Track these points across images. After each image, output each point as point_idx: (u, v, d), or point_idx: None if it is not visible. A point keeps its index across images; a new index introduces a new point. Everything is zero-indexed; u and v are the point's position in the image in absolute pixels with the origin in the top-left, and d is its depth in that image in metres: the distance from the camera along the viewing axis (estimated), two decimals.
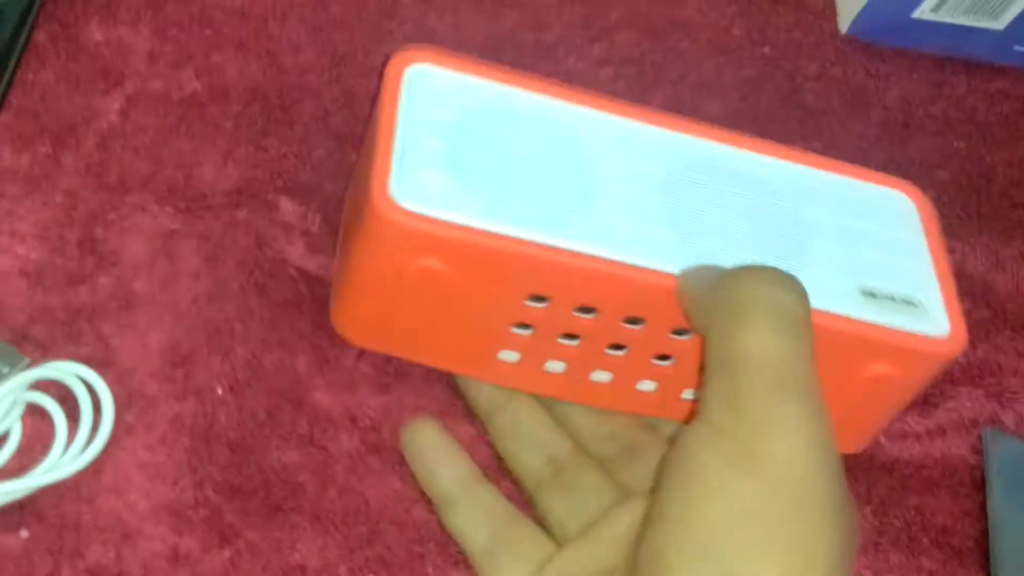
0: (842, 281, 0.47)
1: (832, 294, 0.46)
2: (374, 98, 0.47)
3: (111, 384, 0.46)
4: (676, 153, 0.49)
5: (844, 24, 0.67)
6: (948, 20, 0.65)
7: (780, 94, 0.63)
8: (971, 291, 0.58)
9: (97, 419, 0.45)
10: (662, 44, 0.64)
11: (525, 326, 0.46)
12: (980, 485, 0.53)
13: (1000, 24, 0.65)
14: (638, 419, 0.49)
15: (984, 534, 0.52)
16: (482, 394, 0.49)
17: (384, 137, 0.44)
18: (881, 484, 0.52)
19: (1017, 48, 0.68)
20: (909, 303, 0.47)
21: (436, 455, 0.48)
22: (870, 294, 0.47)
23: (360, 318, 0.48)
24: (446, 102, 0.46)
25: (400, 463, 0.48)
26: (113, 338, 0.48)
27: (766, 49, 0.65)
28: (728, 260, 0.45)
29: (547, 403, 0.50)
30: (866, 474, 0.52)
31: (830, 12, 0.67)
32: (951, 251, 0.57)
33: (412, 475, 0.48)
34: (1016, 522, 0.51)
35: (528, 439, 0.48)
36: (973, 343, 0.57)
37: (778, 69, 0.64)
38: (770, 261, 0.45)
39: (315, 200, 0.53)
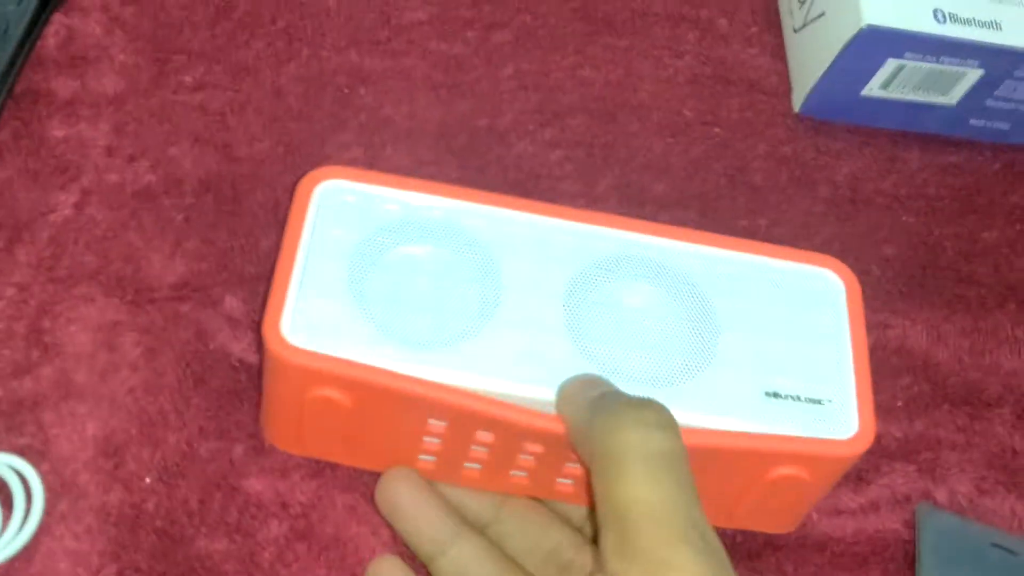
0: (746, 385, 0.48)
1: (734, 401, 0.47)
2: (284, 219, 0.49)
3: (46, 473, 0.48)
4: (586, 250, 0.50)
5: (797, 103, 0.68)
6: (898, 97, 0.67)
7: (728, 173, 0.64)
8: (911, 366, 0.59)
9: (28, 508, 0.47)
10: (613, 127, 0.65)
11: (435, 436, 0.48)
12: (912, 561, 0.54)
13: (951, 100, 0.67)
14: (572, 537, 0.50)
15: None
16: (425, 538, 0.49)
17: (283, 266, 0.47)
18: (809, 563, 0.53)
19: (972, 122, 0.68)
20: (815, 402, 0.48)
21: (418, 507, 0.50)
22: (774, 395, 0.48)
23: (281, 431, 0.50)
24: (354, 220, 0.48)
25: (327, 549, 0.49)
26: (52, 428, 0.50)
27: (717, 129, 0.66)
28: (628, 372, 0.47)
29: (483, 523, 0.51)
30: (796, 553, 0.53)
31: (784, 91, 0.68)
32: (892, 327, 0.58)
33: (393, 534, 0.51)
34: None
35: None
36: (911, 418, 0.58)
37: (727, 149, 0.66)
38: (672, 368, 0.47)
39: (260, 292, 0.55)
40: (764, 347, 0.49)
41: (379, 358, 0.45)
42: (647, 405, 0.42)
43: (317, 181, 0.49)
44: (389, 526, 0.50)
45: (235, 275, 0.55)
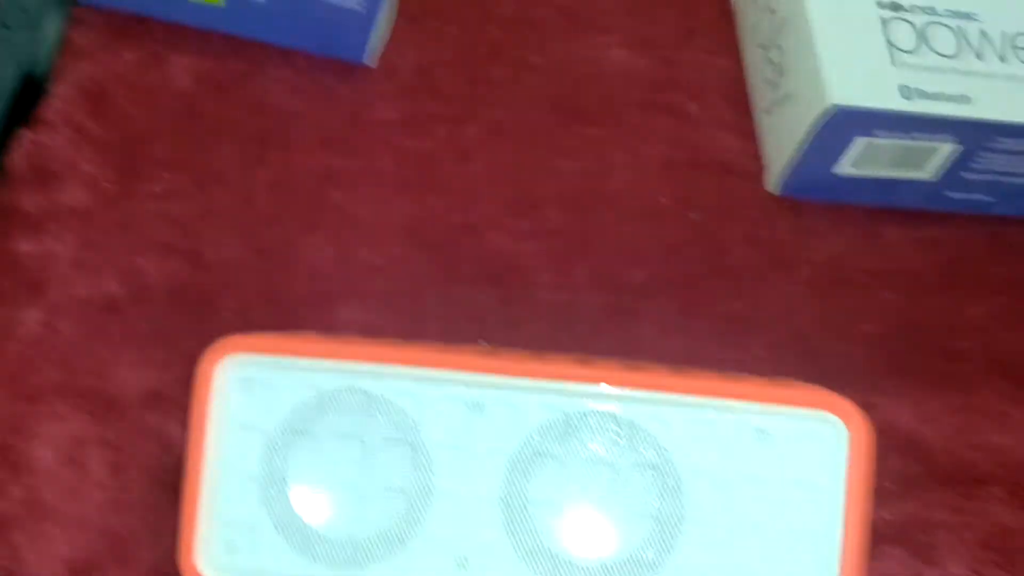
0: None
1: None
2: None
3: None
4: (532, 415, 0.44)
5: (772, 184, 0.68)
6: (872, 174, 0.66)
7: (705, 258, 0.64)
8: (899, 446, 0.58)
9: None
10: (588, 216, 0.65)
11: None
12: None
13: (927, 174, 0.66)
14: None
15: None
16: None
17: (191, 484, 0.43)
18: None
19: (950, 194, 0.68)
20: None
21: None
22: None
23: None
24: (262, 407, 0.44)
25: None
26: (23, 548, 0.49)
27: (692, 215, 0.66)
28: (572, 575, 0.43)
29: None
30: None
31: (758, 173, 0.68)
32: (877, 406, 0.57)
33: None
34: None
35: None
36: (901, 499, 0.57)
37: (704, 234, 0.65)
38: (624, 567, 0.43)
39: None
40: (734, 535, 0.43)
41: None
42: None
43: (218, 357, 0.44)
44: None
45: None
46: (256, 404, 0.44)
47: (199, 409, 0.44)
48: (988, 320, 0.64)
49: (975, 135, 0.63)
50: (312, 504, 0.43)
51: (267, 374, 0.44)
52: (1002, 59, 0.64)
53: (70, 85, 0.64)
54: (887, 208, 0.68)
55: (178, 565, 0.43)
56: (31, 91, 0.62)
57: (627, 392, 0.43)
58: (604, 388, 0.44)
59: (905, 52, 0.63)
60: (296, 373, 0.44)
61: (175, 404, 0.53)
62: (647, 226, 0.65)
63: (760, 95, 0.70)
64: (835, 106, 0.61)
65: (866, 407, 0.55)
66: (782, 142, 0.66)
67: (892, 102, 0.61)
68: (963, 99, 0.62)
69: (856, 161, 0.65)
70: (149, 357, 0.55)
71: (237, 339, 0.44)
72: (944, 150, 0.64)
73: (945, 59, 0.64)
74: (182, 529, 0.43)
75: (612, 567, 0.43)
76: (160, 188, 0.61)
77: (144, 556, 0.49)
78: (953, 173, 0.66)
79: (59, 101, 0.63)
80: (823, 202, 0.68)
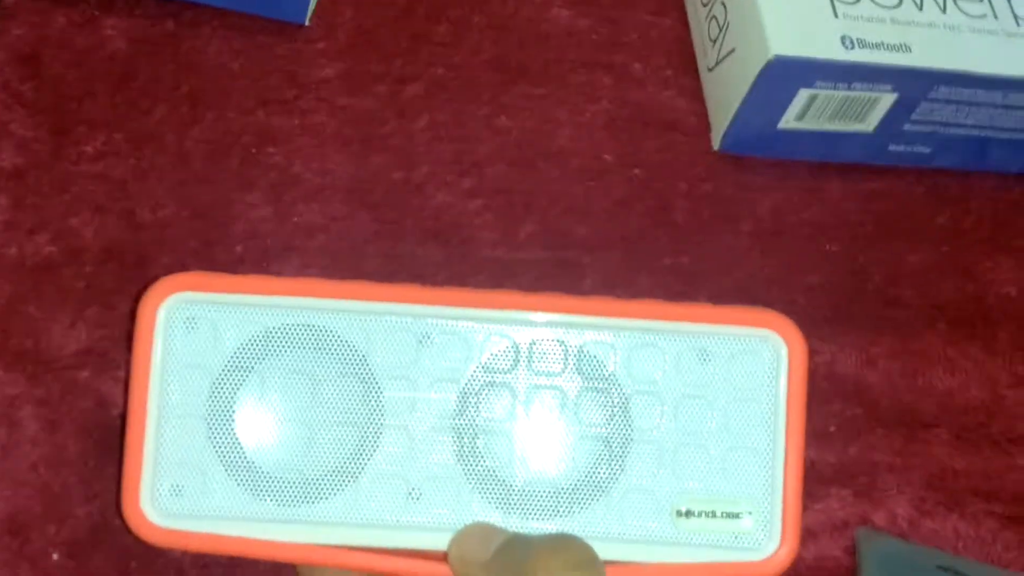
0: (656, 505, 0.43)
1: (641, 525, 0.43)
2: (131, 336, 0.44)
3: None
4: (478, 345, 0.44)
5: (716, 141, 0.68)
6: (815, 128, 0.66)
7: (649, 213, 0.64)
8: (842, 391, 0.58)
9: None
10: (532, 174, 0.64)
11: None
12: None
13: (869, 126, 0.66)
14: None
15: None
16: None
17: (134, 429, 0.42)
18: None
19: (892, 148, 0.68)
20: (732, 516, 0.43)
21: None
22: (686, 514, 0.43)
23: None
24: (208, 345, 0.43)
25: None
26: None
27: (636, 171, 0.65)
28: (526, 505, 0.43)
29: None
30: None
31: (703, 130, 0.68)
32: (820, 352, 0.57)
33: None
34: None
35: None
36: (845, 443, 0.57)
37: (648, 189, 0.65)
38: (576, 492, 0.43)
39: None
40: (681, 452, 0.44)
41: (250, 522, 0.42)
42: (566, 544, 0.40)
43: (161, 297, 0.43)
44: None
45: None
46: (200, 343, 0.43)
47: (142, 349, 0.42)
48: (928, 268, 0.64)
49: (915, 85, 0.63)
50: (261, 442, 0.42)
51: (211, 313, 0.43)
52: (942, 9, 0.64)
53: (1, 48, 0.63)
54: (829, 163, 0.68)
55: (121, 512, 0.42)
56: None
57: (572, 319, 0.44)
58: (549, 316, 0.44)
59: (847, 3, 0.63)
60: (241, 311, 0.43)
61: (110, 362, 0.53)
62: (591, 183, 0.65)
63: (704, 53, 0.70)
64: (777, 57, 0.61)
65: (810, 353, 0.55)
66: (726, 98, 0.66)
67: (833, 52, 0.61)
68: (904, 48, 0.62)
69: (799, 115, 0.65)
70: (84, 316, 0.54)
71: (180, 277, 0.43)
72: (885, 101, 0.64)
73: (886, 9, 0.64)
74: (126, 473, 0.42)
75: (563, 490, 0.43)
76: (94, 149, 0.60)
77: (79, 512, 0.49)
78: (894, 125, 0.66)
79: None
80: (766, 158, 0.67)
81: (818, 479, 0.55)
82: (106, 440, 0.50)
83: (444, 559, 0.43)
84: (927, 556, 0.53)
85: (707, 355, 0.44)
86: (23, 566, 0.47)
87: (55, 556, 0.47)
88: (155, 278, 0.54)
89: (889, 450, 0.56)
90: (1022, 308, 0.63)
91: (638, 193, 0.65)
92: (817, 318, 0.60)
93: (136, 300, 0.50)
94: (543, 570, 0.39)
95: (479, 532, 0.42)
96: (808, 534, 0.53)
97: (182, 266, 0.56)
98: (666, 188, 0.65)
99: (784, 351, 0.44)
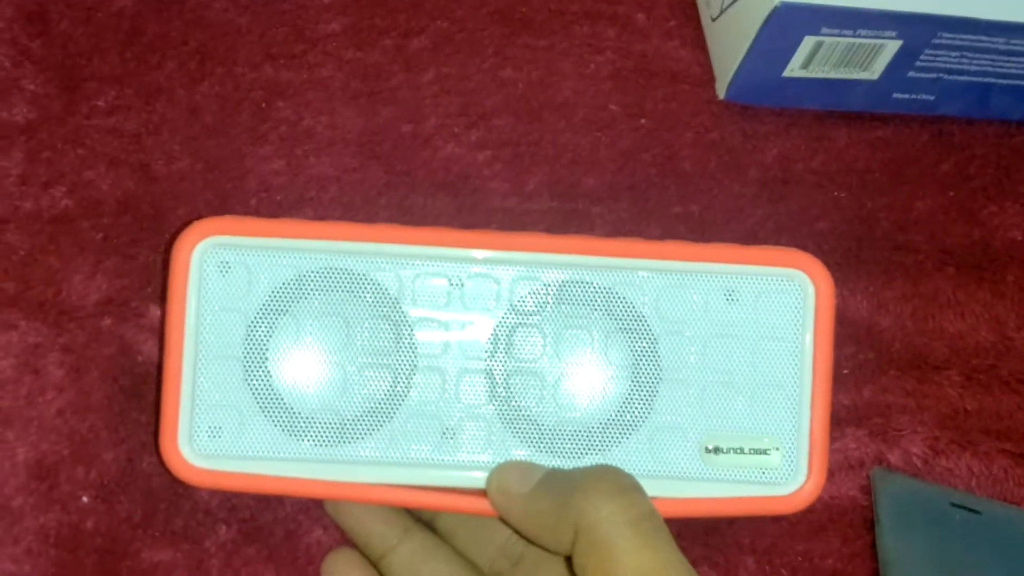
0: (685, 442, 0.44)
1: (670, 462, 0.44)
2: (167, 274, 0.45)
3: None
4: (511, 287, 0.44)
5: (721, 90, 0.68)
6: (821, 76, 0.66)
7: (657, 163, 0.64)
8: (855, 335, 0.59)
9: None
10: (539, 125, 0.65)
11: None
12: (870, 526, 0.53)
13: (873, 74, 0.66)
14: None
15: (875, 574, 0.51)
16: (373, 535, 0.48)
17: (171, 370, 0.42)
18: (767, 534, 0.52)
19: (896, 95, 0.68)
20: (760, 452, 0.44)
21: (366, 506, 0.48)
22: (715, 450, 0.44)
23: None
24: (242, 288, 0.43)
25: (277, 550, 0.48)
26: None
27: (643, 121, 0.66)
28: (557, 444, 0.44)
29: (429, 516, 0.50)
30: (752, 525, 0.52)
31: (707, 80, 0.68)
32: None
33: (344, 533, 0.49)
34: (907, 559, 0.51)
35: None
36: (858, 385, 0.57)
37: (655, 139, 0.65)
38: (606, 431, 0.44)
39: None
40: (709, 391, 0.44)
41: (287, 462, 0.43)
42: (608, 472, 0.41)
43: (195, 241, 0.44)
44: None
45: (159, 288, 0.54)
46: (235, 286, 0.43)
47: (176, 293, 0.43)
48: (936, 214, 0.64)
49: (919, 31, 0.64)
50: (296, 384, 0.43)
51: (245, 256, 0.44)
52: None
53: (9, 6, 0.63)
54: (834, 111, 0.68)
55: (159, 453, 0.42)
56: None
57: (601, 260, 0.44)
58: (579, 258, 0.44)
59: None
60: (274, 254, 0.44)
61: (132, 311, 0.53)
62: (597, 134, 0.65)
63: (706, 2, 0.70)
64: (783, 3, 0.61)
65: (836, 292, 0.56)
66: (731, 48, 0.66)
67: None
68: None
69: (804, 63, 0.65)
70: (103, 267, 0.54)
71: (213, 221, 0.44)
72: (889, 48, 0.65)
73: None
74: (163, 416, 0.42)
75: (594, 428, 0.44)
76: (106, 104, 0.60)
77: (107, 456, 0.49)
78: (898, 73, 0.66)
79: None
80: (772, 107, 0.68)
81: (833, 420, 0.55)
82: (131, 386, 0.51)
83: (479, 497, 0.43)
84: (941, 494, 0.54)
85: (734, 295, 0.45)
86: (54, 509, 0.47)
87: (84, 499, 0.48)
88: (172, 230, 0.54)
89: (902, 391, 0.57)
90: None
91: (645, 143, 0.65)
92: (828, 264, 0.60)
93: (167, 248, 0.51)
94: (586, 500, 0.40)
95: (519, 466, 0.43)
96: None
97: (199, 218, 0.56)
98: (673, 138, 0.66)
99: (811, 289, 0.45)
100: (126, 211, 0.56)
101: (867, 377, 0.57)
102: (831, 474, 0.54)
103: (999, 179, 0.66)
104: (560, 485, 0.41)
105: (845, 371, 0.57)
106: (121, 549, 0.47)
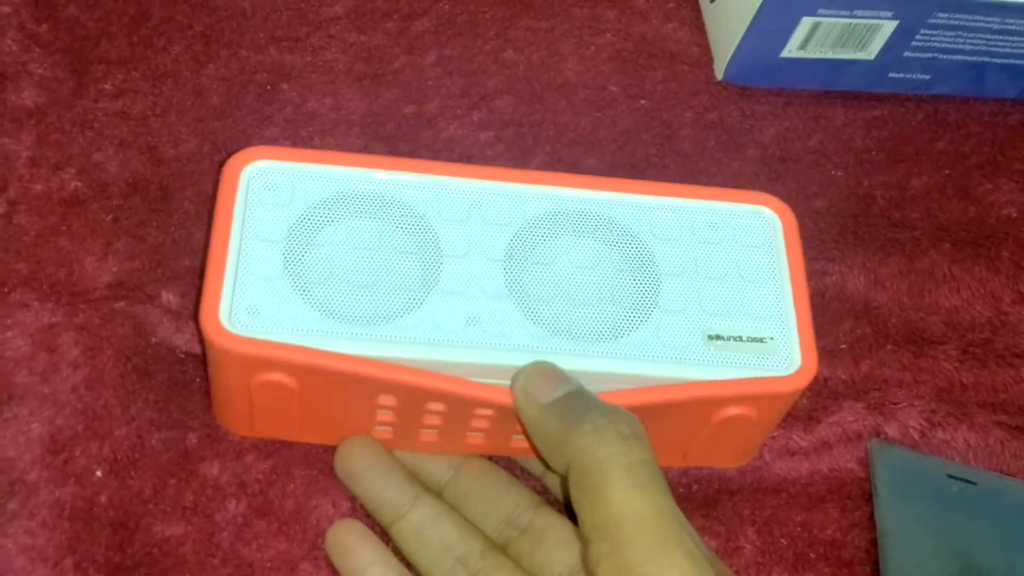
0: (689, 330, 0.48)
1: (678, 347, 0.47)
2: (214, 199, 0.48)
3: None
4: (521, 210, 0.49)
5: (719, 71, 0.69)
6: (818, 56, 0.67)
7: (656, 142, 0.65)
8: (852, 310, 0.60)
9: None
10: (540, 106, 0.65)
11: (387, 409, 0.48)
12: (868, 497, 0.54)
13: (870, 54, 0.67)
14: (529, 498, 0.51)
15: (873, 544, 0.53)
16: (384, 503, 0.49)
17: (216, 252, 0.46)
18: (766, 505, 0.53)
19: (892, 75, 0.69)
20: (757, 340, 0.48)
21: (377, 473, 0.49)
22: (716, 338, 0.48)
23: (232, 417, 0.49)
24: (284, 200, 0.48)
25: (287, 523, 0.49)
26: None
27: (642, 102, 0.67)
28: (573, 329, 0.47)
29: (439, 485, 0.51)
30: (752, 496, 0.53)
31: (705, 61, 0.69)
32: (829, 273, 0.59)
33: (353, 505, 0.50)
34: (904, 530, 0.52)
35: (434, 543, 0.49)
36: (856, 359, 0.58)
37: (654, 119, 0.66)
38: (616, 320, 0.47)
39: (197, 285, 0.55)
40: (704, 291, 0.49)
41: (322, 338, 0.45)
42: (620, 416, 0.43)
43: (244, 163, 0.48)
44: (349, 497, 0.50)
45: (169, 270, 0.55)
46: (279, 199, 0.47)
47: (225, 202, 0.47)
48: (931, 191, 0.65)
49: (915, 11, 0.65)
50: (333, 272, 0.46)
51: (289, 179, 0.48)
52: None
53: None
54: (831, 91, 0.69)
55: (200, 329, 0.44)
56: None
57: (603, 194, 0.50)
58: (584, 192, 0.50)
59: None
60: (315, 178, 0.48)
61: (144, 293, 0.54)
62: (598, 114, 0.66)
63: None
64: None
65: (818, 274, 0.57)
66: (729, 28, 0.67)
67: None
68: None
69: (802, 43, 0.66)
70: (113, 248, 0.55)
71: (259, 149, 0.48)
72: (886, 28, 0.65)
73: None
74: (205, 294, 0.44)
75: (606, 318, 0.48)
76: (113, 87, 0.61)
77: (119, 432, 0.50)
78: (894, 52, 0.67)
79: (5, 7, 0.63)
80: (769, 87, 0.69)
81: (831, 394, 0.56)
82: (143, 365, 0.52)
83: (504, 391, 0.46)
84: (938, 465, 0.55)
85: (715, 224, 0.50)
86: (69, 483, 0.48)
87: (98, 473, 0.49)
88: (180, 211, 0.55)
89: (899, 366, 0.58)
90: (1023, 228, 0.64)
91: (645, 123, 0.66)
92: (826, 240, 0.62)
93: (163, 238, 0.52)
94: (587, 438, 0.42)
95: (547, 372, 0.45)
96: (823, 446, 0.55)
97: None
98: (672, 118, 0.67)
99: (778, 220, 0.51)
100: (135, 192, 0.57)
101: (864, 352, 0.58)
102: (829, 447, 0.55)
103: (994, 157, 0.67)
104: (573, 412, 0.43)
105: (843, 346, 0.58)
106: (133, 523, 0.48)
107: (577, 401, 0.43)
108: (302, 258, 0.46)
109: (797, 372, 0.47)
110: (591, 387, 0.45)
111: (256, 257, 0.46)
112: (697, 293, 0.49)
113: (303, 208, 0.47)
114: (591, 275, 0.48)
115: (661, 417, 0.47)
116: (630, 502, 0.40)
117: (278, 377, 0.45)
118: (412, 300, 0.46)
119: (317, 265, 0.46)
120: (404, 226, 0.48)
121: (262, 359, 0.44)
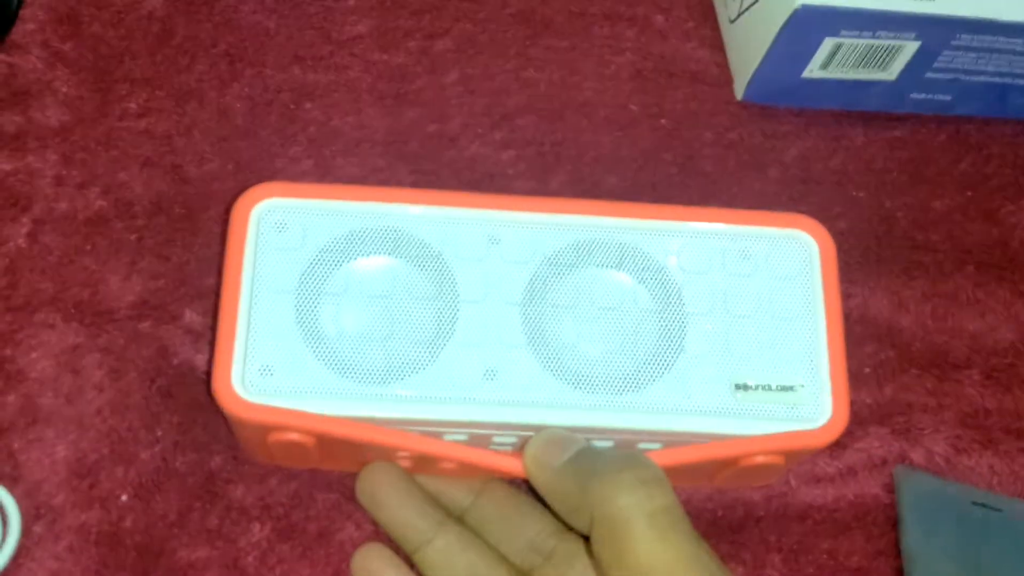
0: (715, 380, 0.46)
1: (703, 399, 0.46)
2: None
3: (20, 498, 0.48)
4: (542, 243, 0.47)
5: (739, 91, 0.69)
6: (839, 76, 0.67)
7: (677, 162, 0.65)
8: (876, 334, 0.60)
9: (4, 533, 0.47)
10: (561, 125, 0.65)
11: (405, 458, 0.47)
12: (894, 523, 0.54)
13: (891, 75, 0.67)
14: (551, 524, 0.50)
15: (898, 572, 0.53)
16: (408, 529, 0.49)
17: (227, 312, 0.45)
18: (792, 532, 0.53)
19: (913, 96, 0.69)
20: (786, 389, 0.46)
21: (400, 499, 0.49)
22: (743, 388, 0.46)
23: (253, 455, 0.49)
24: (296, 243, 0.46)
25: (311, 547, 0.49)
26: (21, 453, 0.49)
27: (663, 121, 0.67)
28: (594, 381, 0.45)
29: (460, 510, 0.51)
30: (778, 523, 0.53)
31: (726, 81, 0.69)
32: (852, 296, 0.59)
33: (377, 528, 0.50)
34: (930, 555, 0.52)
35: (460, 570, 0.48)
36: (880, 384, 0.58)
37: (675, 139, 0.66)
38: (639, 369, 0.46)
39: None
40: (733, 333, 0.47)
41: (336, 399, 0.44)
42: (636, 462, 0.42)
43: (253, 203, 0.47)
44: (373, 521, 0.50)
45: (193, 289, 0.55)
46: (290, 242, 0.46)
47: (235, 247, 0.45)
48: (954, 213, 0.65)
49: (938, 33, 0.64)
50: (346, 327, 0.45)
51: (300, 217, 0.46)
52: None
53: (40, 8, 0.64)
54: (852, 111, 0.69)
55: (213, 394, 0.43)
56: (1, 15, 0.62)
57: (629, 222, 0.48)
58: (609, 220, 0.48)
59: None
60: (327, 216, 0.47)
61: (168, 313, 0.54)
62: (618, 133, 0.66)
63: (724, 5, 0.71)
64: (804, 6, 0.62)
65: (842, 296, 0.56)
66: (750, 49, 0.67)
67: (859, 0, 0.62)
68: None
69: (824, 64, 0.66)
70: (138, 268, 0.55)
71: (270, 185, 0.47)
72: (908, 49, 0.65)
73: None
74: (218, 355, 0.44)
75: (629, 368, 0.46)
76: (138, 105, 0.61)
77: (144, 455, 0.50)
78: (916, 73, 0.67)
79: (30, 24, 0.63)
80: (789, 107, 0.69)
81: (856, 419, 0.56)
82: (167, 387, 0.52)
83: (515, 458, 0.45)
84: (963, 492, 0.55)
85: (747, 253, 0.48)
86: (95, 507, 0.48)
87: (124, 497, 0.49)
88: (205, 230, 0.55)
89: (923, 390, 0.58)
90: None
91: (665, 142, 0.66)
92: (849, 262, 0.62)
93: (187, 257, 0.52)
94: (605, 489, 0.41)
95: (556, 437, 0.44)
96: (848, 472, 0.55)
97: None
98: (693, 137, 0.67)
99: (815, 246, 0.48)
100: (159, 212, 0.57)
101: (888, 376, 0.58)
102: (855, 473, 0.55)
103: (1016, 178, 0.67)
104: (587, 466, 0.42)
105: (867, 370, 0.58)
106: (158, 547, 0.48)
107: (589, 456, 0.43)
108: (315, 310, 0.45)
109: (827, 425, 0.46)
110: (614, 442, 0.44)
111: (268, 311, 0.45)
112: (725, 335, 0.47)
113: (315, 251, 0.46)
114: (614, 318, 0.47)
115: (683, 471, 0.47)
116: (655, 553, 0.40)
117: (295, 436, 0.45)
118: (428, 353, 0.45)
119: (330, 317, 0.45)
120: (420, 267, 0.46)
121: (276, 424, 0.44)
